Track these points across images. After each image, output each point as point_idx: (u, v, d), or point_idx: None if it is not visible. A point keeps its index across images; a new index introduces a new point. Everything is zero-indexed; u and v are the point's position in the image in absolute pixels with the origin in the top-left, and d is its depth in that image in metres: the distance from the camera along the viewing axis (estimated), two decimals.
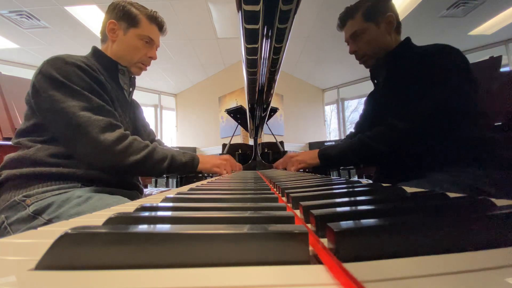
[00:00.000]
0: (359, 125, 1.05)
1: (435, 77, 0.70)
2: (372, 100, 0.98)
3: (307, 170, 1.01)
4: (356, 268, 0.10)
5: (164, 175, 0.85)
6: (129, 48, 0.81)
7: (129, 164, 0.68)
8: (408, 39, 0.84)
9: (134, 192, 0.82)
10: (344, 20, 0.89)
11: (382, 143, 0.74)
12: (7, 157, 0.65)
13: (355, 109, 5.75)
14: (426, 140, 0.71)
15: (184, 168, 0.79)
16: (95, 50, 0.81)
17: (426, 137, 0.70)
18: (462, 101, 0.68)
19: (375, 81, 0.94)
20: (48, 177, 0.64)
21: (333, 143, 3.81)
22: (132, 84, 0.90)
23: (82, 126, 0.63)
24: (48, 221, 0.56)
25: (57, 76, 0.64)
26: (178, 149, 0.84)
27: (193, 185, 0.53)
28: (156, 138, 1.03)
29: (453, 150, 0.69)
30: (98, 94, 0.69)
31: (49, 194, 0.61)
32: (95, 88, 0.69)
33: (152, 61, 0.90)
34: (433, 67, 0.72)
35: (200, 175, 1.07)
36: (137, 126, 0.92)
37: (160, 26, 0.86)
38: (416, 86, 0.73)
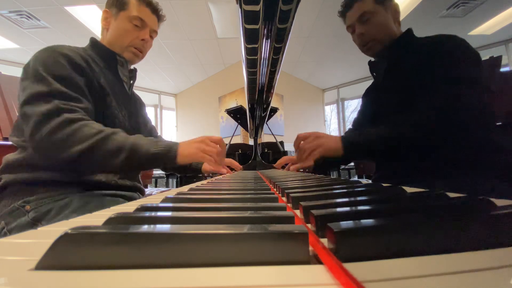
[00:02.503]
0: (358, 122, 1.01)
1: (445, 66, 0.66)
2: (371, 95, 0.95)
3: (306, 170, 0.99)
4: (356, 268, 0.10)
5: (142, 170, 0.73)
6: (120, 31, 0.78)
7: (71, 156, 0.55)
8: (410, 30, 0.81)
9: (136, 194, 0.80)
10: (351, 1, 0.83)
11: (420, 129, 0.65)
12: (6, 158, 0.64)
13: (355, 109, 5.74)
14: (450, 134, 0.65)
15: (154, 161, 0.61)
16: (93, 41, 0.79)
17: (450, 130, 0.64)
18: (475, 94, 0.63)
19: (374, 74, 0.90)
20: (47, 183, 0.63)
21: None
22: (133, 77, 0.87)
23: (25, 116, 0.57)
24: None
25: (33, 64, 0.61)
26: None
27: (193, 185, 0.53)
28: (157, 135, 1.02)
29: (453, 150, 0.69)
30: (70, 81, 0.61)
31: (49, 200, 0.60)
32: (68, 76, 0.61)
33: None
34: (442, 56, 0.68)
35: (200, 175, 1.07)
36: (137, 121, 0.88)
37: (153, 9, 0.83)
38: (425, 77, 0.68)
